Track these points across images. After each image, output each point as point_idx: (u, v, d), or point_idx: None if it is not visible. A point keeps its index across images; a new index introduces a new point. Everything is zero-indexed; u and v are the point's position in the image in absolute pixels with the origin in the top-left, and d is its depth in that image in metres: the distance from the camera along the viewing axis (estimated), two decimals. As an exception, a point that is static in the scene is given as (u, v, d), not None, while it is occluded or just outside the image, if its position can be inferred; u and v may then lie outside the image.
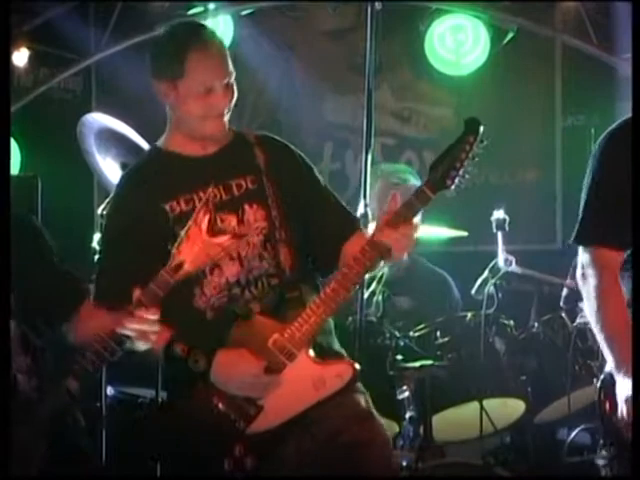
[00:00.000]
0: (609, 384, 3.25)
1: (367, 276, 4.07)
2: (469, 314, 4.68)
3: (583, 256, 3.32)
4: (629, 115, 3.34)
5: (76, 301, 3.35)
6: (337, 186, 7.53)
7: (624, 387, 3.16)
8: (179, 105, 3.30)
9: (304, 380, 3.16)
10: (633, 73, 3.21)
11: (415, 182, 5.01)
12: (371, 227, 3.70)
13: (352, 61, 7.02)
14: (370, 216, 3.76)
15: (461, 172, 3.20)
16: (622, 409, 3.15)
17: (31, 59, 6.63)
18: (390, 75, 7.18)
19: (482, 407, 4.39)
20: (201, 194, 3.25)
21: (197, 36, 3.35)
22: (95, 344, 3.08)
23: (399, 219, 3.14)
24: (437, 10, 6.74)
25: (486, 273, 4.71)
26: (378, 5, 4.33)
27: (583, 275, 3.31)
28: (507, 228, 4.61)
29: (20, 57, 6.55)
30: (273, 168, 3.37)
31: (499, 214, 4.62)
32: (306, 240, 3.36)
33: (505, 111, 6.82)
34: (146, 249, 3.22)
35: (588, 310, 3.31)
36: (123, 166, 4.59)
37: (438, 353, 4.56)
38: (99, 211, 4.53)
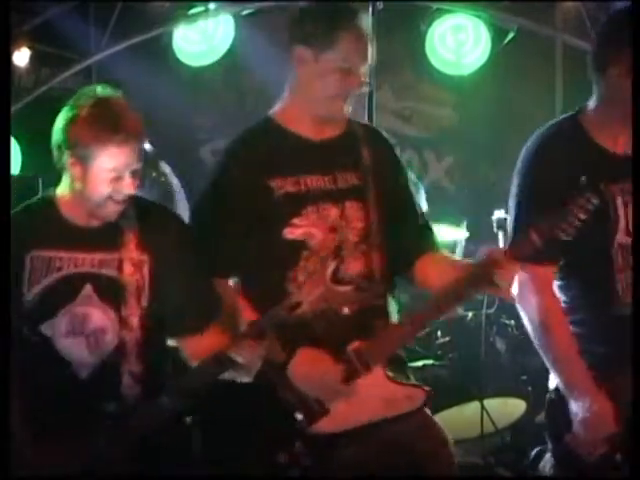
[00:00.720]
0: (558, 404, 3.22)
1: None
2: (470, 314, 4.68)
3: (518, 274, 3.23)
4: (548, 127, 3.35)
5: (210, 321, 3.30)
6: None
7: (578, 408, 3.12)
8: (312, 78, 3.24)
9: (375, 394, 3.12)
10: (633, 73, 3.20)
11: (413, 179, 5.03)
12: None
13: (352, 61, 7.02)
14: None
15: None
16: (579, 430, 3.11)
17: (31, 59, 6.63)
18: (391, 75, 7.18)
19: (483, 407, 4.40)
20: (308, 179, 3.20)
21: (354, 16, 3.23)
22: (204, 364, 3.07)
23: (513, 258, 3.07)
24: (438, 10, 6.74)
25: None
26: (379, 5, 4.34)
27: (520, 295, 3.25)
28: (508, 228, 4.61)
29: (21, 57, 6.55)
30: (378, 169, 3.29)
31: (500, 214, 4.61)
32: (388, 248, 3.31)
33: (505, 111, 6.83)
34: (249, 222, 3.18)
35: (531, 332, 3.26)
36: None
37: (439, 353, 4.56)
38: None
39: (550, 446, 3.30)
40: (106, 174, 3.14)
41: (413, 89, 7.37)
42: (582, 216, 2.99)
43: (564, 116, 3.42)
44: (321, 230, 3.17)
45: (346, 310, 3.15)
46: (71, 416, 3.10)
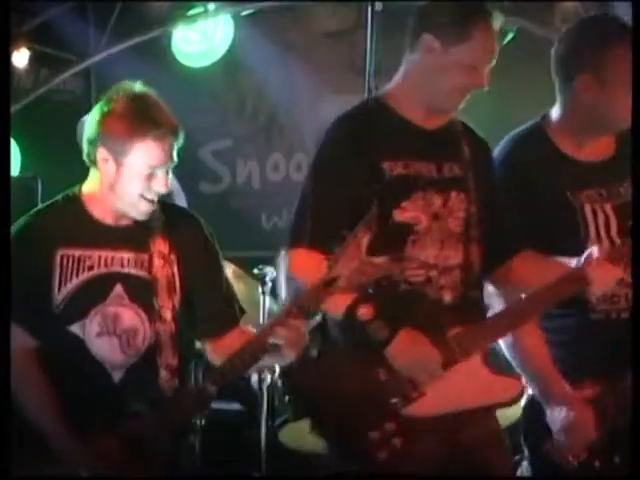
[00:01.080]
0: (534, 413, 3.23)
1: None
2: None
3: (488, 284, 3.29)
4: (521, 132, 3.42)
5: (231, 326, 3.35)
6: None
7: (555, 416, 3.13)
8: (437, 68, 3.22)
9: (471, 382, 3.10)
10: (633, 73, 3.20)
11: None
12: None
13: (352, 61, 7.03)
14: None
15: None
16: (559, 438, 3.12)
17: (31, 60, 6.63)
18: (390, 75, 7.17)
19: (482, 407, 4.38)
20: (416, 165, 3.19)
21: (489, 15, 3.25)
22: (243, 353, 3.08)
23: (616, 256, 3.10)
24: (437, 10, 6.74)
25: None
26: (378, 6, 4.34)
27: (492, 306, 3.28)
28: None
29: (20, 58, 6.55)
30: (476, 163, 3.30)
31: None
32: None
33: (505, 111, 6.82)
34: (356, 202, 3.13)
35: (502, 344, 3.27)
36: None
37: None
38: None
39: (527, 455, 3.30)
40: (141, 170, 3.14)
41: (412, 90, 7.36)
42: None
43: (529, 124, 3.42)
44: (426, 216, 3.16)
45: (447, 298, 3.16)
46: (104, 417, 3.09)
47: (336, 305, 3.07)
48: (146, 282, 3.21)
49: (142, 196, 3.16)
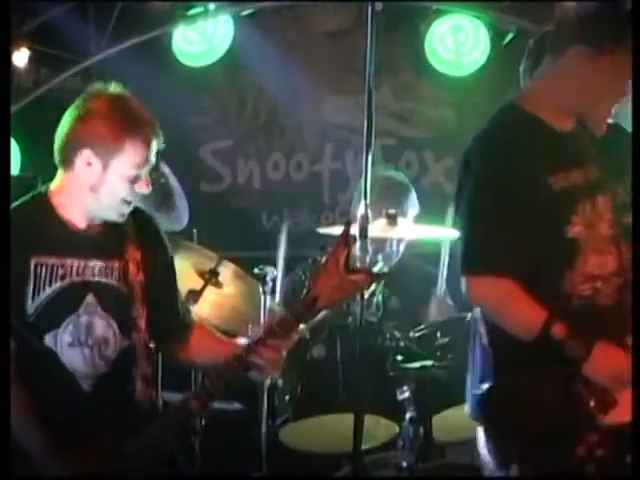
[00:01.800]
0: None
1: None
2: (469, 315, 4.67)
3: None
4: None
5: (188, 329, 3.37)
6: (338, 186, 7.60)
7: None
8: (589, 78, 3.21)
9: None
10: (633, 73, 3.20)
11: (409, 188, 5.05)
12: (371, 227, 3.70)
13: (352, 61, 7.02)
14: (370, 217, 3.75)
15: None
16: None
17: (31, 59, 6.62)
18: (390, 76, 7.19)
19: (482, 407, 4.38)
20: (571, 175, 3.17)
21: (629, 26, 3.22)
22: (223, 369, 3.10)
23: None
24: (437, 10, 6.74)
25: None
26: (378, 5, 4.33)
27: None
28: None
29: (20, 57, 6.54)
30: (609, 163, 3.29)
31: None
32: None
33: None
34: (529, 221, 3.14)
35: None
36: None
37: (438, 354, 4.55)
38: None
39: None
40: (128, 171, 3.12)
41: (412, 89, 7.36)
42: None
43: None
44: (584, 226, 3.18)
45: (613, 305, 3.18)
46: (77, 428, 3.08)
47: (525, 326, 3.11)
48: (117, 291, 3.19)
49: (124, 200, 3.14)
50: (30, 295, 3.11)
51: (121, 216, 3.18)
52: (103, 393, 3.16)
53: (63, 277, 3.14)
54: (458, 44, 6.83)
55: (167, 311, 3.33)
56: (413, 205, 5.02)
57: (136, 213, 3.29)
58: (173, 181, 4.62)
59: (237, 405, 5.31)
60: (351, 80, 6.98)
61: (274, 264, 4.76)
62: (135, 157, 3.13)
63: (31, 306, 3.12)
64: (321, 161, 7.43)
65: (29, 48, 6.56)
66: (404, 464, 4.39)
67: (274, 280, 4.67)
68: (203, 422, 4.65)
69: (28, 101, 6.65)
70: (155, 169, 4.48)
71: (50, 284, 3.13)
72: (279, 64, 7.24)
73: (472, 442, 4.57)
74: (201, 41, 6.89)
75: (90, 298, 3.16)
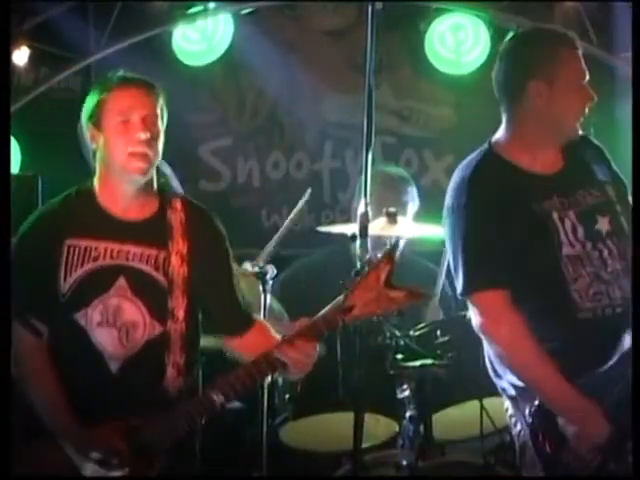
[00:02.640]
0: (543, 420, 3.26)
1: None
2: (469, 313, 4.67)
3: (472, 307, 3.38)
4: (469, 159, 3.46)
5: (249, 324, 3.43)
6: (337, 185, 7.59)
7: (567, 423, 3.20)
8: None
9: None
10: (633, 73, 3.22)
11: (409, 182, 5.06)
12: (371, 226, 3.70)
13: (352, 60, 7.02)
14: (370, 215, 3.75)
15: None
16: (575, 444, 3.18)
17: (31, 58, 6.62)
18: (390, 74, 7.18)
19: (482, 406, 4.39)
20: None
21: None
22: (251, 366, 3.17)
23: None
24: (437, 9, 6.74)
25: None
26: (378, 4, 4.33)
27: (481, 325, 3.36)
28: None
29: (20, 56, 6.54)
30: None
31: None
32: None
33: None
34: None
35: (503, 358, 3.36)
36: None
37: (438, 352, 4.55)
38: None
39: (537, 458, 3.31)
40: (114, 120, 3.19)
41: (412, 88, 7.36)
42: None
43: (478, 151, 3.48)
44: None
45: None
46: (103, 407, 3.16)
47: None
48: (152, 278, 3.25)
49: (130, 154, 3.19)
50: (62, 276, 3.21)
51: (139, 173, 3.22)
52: (131, 376, 3.22)
53: (96, 259, 3.22)
54: (458, 43, 6.83)
55: (222, 307, 3.39)
56: (413, 199, 5.03)
57: (193, 207, 3.40)
58: (173, 182, 4.62)
59: (237, 404, 5.31)
60: (351, 79, 6.98)
61: (274, 262, 4.75)
62: (117, 103, 3.21)
63: (63, 286, 3.21)
64: (321, 160, 7.43)
65: (29, 47, 6.56)
66: (404, 463, 4.39)
67: (274, 278, 4.67)
68: (203, 421, 4.65)
69: (28, 100, 6.65)
70: (156, 169, 4.51)
71: (82, 265, 3.22)
72: (279, 63, 7.24)
73: (472, 440, 4.59)
74: (201, 40, 6.88)
75: (122, 281, 3.23)
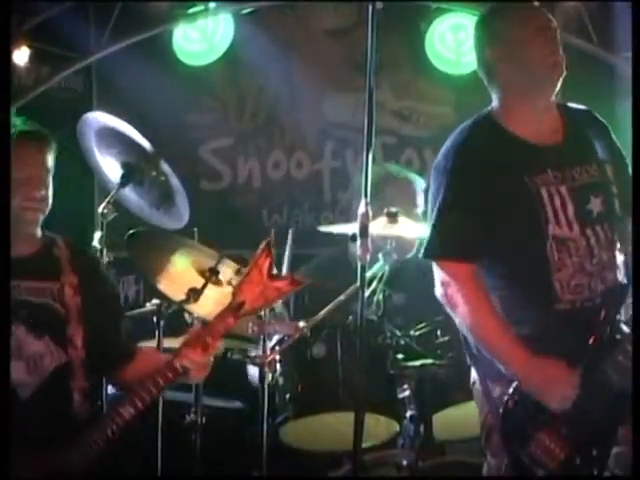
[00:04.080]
0: (512, 410, 3.26)
1: (368, 275, 4.06)
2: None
3: (439, 273, 3.36)
4: (466, 123, 3.44)
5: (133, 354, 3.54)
6: (338, 184, 7.59)
7: (543, 393, 3.18)
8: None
9: None
10: (633, 73, 3.21)
11: (412, 178, 5.05)
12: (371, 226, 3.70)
13: (352, 60, 7.02)
14: (371, 215, 3.75)
15: None
16: (543, 439, 3.19)
17: (32, 58, 6.62)
18: (391, 74, 7.19)
19: (482, 406, 4.39)
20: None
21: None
22: (156, 375, 3.24)
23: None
24: (438, 9, 6.74)
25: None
26: (379, 4, 4.33)
27: (445, 294, 3.34)
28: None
29: (21, 56, 6.54)
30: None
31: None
32: None
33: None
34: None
35: (463, 327, 3.33)
36: (124, 165, 4.59)
37: (439, 352, 4.55)
38: (100, 210, 4.53)
39: (507, 458, 3.30)
40: (14, 178, 3.33)
41: (413, 88, 7.36)
42: None
43: (476, 116, 3.45)
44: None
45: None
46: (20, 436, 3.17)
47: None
48: (51, 309, 3.35)
49: (21, 207, 3.33)
50: None
51: (33, 225, 3.38)
52: (41, 404, 3.29)
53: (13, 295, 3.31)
54: (458, 43, 6.83)
55: (107, 339, 3.47)
56: (418, 204, 5.01)
57: (72, 245, 3.51)
58: (174, 180, 4.62)
59: (237, 403, 5.32)
60: (351, 78, 6.98)
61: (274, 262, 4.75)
62: (15, 164, 3.32)
63: None
64: (321, 159, 7.43)
65: (29, 46, 6.56)
66: (404, 462, 4.39)
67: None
68: (204, 420, 4.65)
69: (29, 99, 6.65)
70: (156, 168, 4.50)
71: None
72: (279, 63, 7.24)
73: (472, 440, 4.59)
74: (201, 40, 6.88)
75: (24, 315, 3.31)
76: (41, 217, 3.40)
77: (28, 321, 3.31)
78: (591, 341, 3.19)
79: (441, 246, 3.34)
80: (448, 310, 3.36)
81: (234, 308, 3.20)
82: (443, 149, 3.41)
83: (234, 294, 3.21)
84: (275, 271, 3.28)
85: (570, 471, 3.18)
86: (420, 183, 5.07)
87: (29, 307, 3.33)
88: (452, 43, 6.85)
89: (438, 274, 3.35)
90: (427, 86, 7.31)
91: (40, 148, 3.44)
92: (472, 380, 3.44)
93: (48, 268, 3.39)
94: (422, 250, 3.40)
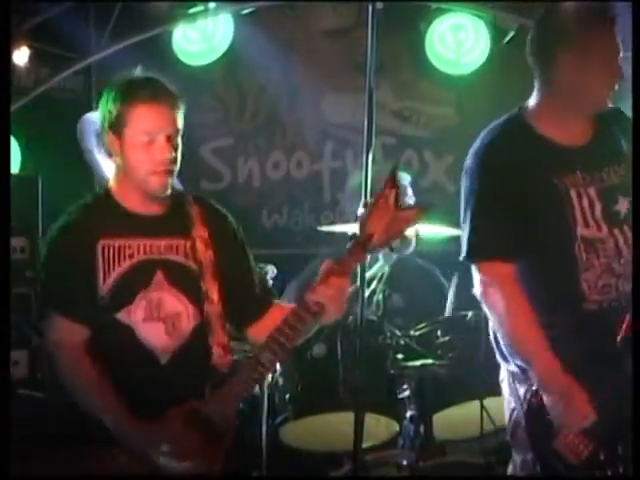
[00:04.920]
0: (536, 406, 3.24)
1: (368, 274, 4.07)
2: (470, 313, 4.67)
3: (477, 274, 3.35)
4: (495, 122, 3.42)
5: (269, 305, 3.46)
6: (338, 185, 7.59)
7: (554, 401, 3.17)
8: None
9: None
10: (633, 73, 3.21)
11: (405, 183, 5.06)
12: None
13: (353, 60, 7.02)
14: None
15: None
16: (560, 422, 3.16)
17: (31, 58, 6.61)
18: (391, 74, 7.19)
19: (483, 406, 4.39)
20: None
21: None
22: (290, 317, 3.17)
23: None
24: (438, 9, 6.74)
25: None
26: (379, 4, 4.33)
27: (484, 294, 3.32)
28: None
29: (20, 56, 6.53)
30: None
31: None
32: None
33: (505, 110, 6.81)
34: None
35: (499, 329, 3.32)
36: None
37: (439, 352, 4.56)
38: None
39: (532, 454, 3.30)
40: (139, 138, 3.18)
41: (413, 88, 7.36)
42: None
43: (506, 116, 3.43)
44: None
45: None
46: (156, 402, 3.16)
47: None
48: (185, 267, 3.28)
49: (152, 171, 3.21)
50: (101, 277, 3.21)
51: (163, 188, 3.24)
52: (181, 365, 3.23)
53: (131, 256, 3.24)
54: (458, 43, 6.83)
55: (242, 292, 3.39)
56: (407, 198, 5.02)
57: (205, 201, 3.44)
58: (174, 180, 4.62)
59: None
60: (351, 79, 6.98)
61: (274, 262, 4.76)
62: (141, 120, 3.18)
63: (102, 287, 3.21)
64: (321, 160, 7.43)
65: (29, 47, 6.55)
66: (404, 462, 4.40)
67: (274, 278, 4.67)
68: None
69: (28, 100, 6.65)
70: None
71: (119, 264, 3.23)
72: (279, 63, 7.24)
73: (472, 440, 4.59)
74: (201, 40, 6.88)
75: (159, 274, 3.25)
76: (171, 180, 3.26)
77: (163, 279, 3.24)
78: (618, 340, 3.18)
79: (481, 247, 3.33)
80: (485, 309, 3.36)
81: (363, 240, 3.10)
82: (472, 149, 3.41)
83: (362, 227, 3.11)
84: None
85: (594, 468, 3.18)
86: (405, 178, 5.07)
87: (164, 265, 3.25)
88: (452, 43, 6.85)
89: (477, 274, 3.35)
90: (427, 86, 7.31)
91: (174, 107, 3.24)
92: (500, 377, 3.44)
93: (179, 225, 3.30)
94: (462, 253, 3.37)
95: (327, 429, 4.52)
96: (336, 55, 7.29)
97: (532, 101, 3.40)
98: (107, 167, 4.63)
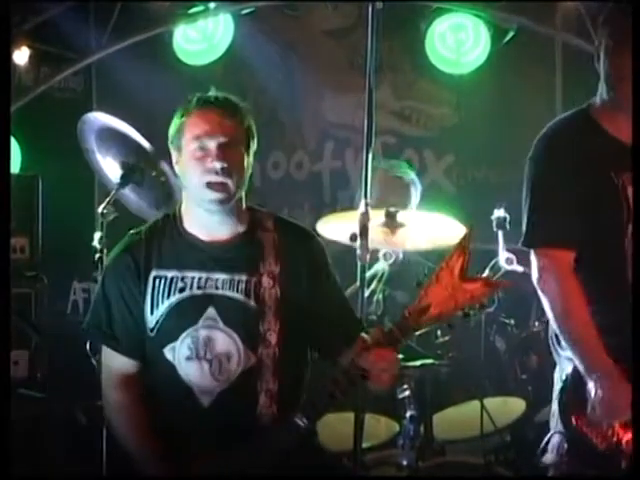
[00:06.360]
0: (572, 388, 3.28)
1: (367, 274, 4.06)
2: (470, 313, 4.67)
3: (536, 260, 3.36)
4: (562, 115, 3.45)
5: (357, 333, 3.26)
6: (338, 185, 7.59)
7: (597, 388, 3.18)
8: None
9: None
10: (633, 73, 3.21)
11: (413, 177, 5.05)
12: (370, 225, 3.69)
13: (352, 60, 7.03)
14: (370, 215, 3.75)
15: None
16: (597, 409, 3.17)
17: (32, 58, 6.63)
18: (391, 74, 7.19)
19: (483, 406, 4.40)
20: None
21: None
22: (339, 375, 3.01)
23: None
24: (438, 9, 6.73)
25: (487, 272, 4.71)
26: (379, 4, 4.33)
27: (541, 279, 3.33)
28: (508, 227, 4.60)
29: (21, 56, 6.55)
30: None
31: (500, 213, 4.60)
32: None
33: (505, 110, 6.82)
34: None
35: (551, 315, 3.33)
36: (124, 165, 4.59)
37: (439, 352, 4.56)
38: (100, 210, 4.53)
39: (562, 431, 3.32)
40: (191, 146, 3.07)
41: (413, 88, 7.36)
42: None
43: (574, 110, 3.46)
44: None
45: None
46: (194, 443, 3.05)
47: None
48: (243, 304, 3.10)
49: (207, 183, 3.06)
50: (149, 309, 3.10)
51: (219, 206, 3.08)
52: (223, 408, 3.09)
53: (182, 290, 3.10)
54: (458, 42, 6.82)
55: (333, 321, 3.23)
56: (415, 199, 5.01)
57: (286, 225, 3.30)
58: (173, 180, 4.62)
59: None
60: (351, 78, 6.98)
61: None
62: (193, 127, 3.10)
63: (151, 319, 3.11)
64: (321, 160, 7.43)
65: (30, 47, 6.57)
66: (404, 462, 4.39)
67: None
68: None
69: (29, 100, 6.65)
70: (156, 168, 4.49)
71: (168, 297, 3.10)
72: (279, 63, 7.25)
73: (472, 440, 4.59)
74: (201, 40, 6.88)
75: (211, 311, 3.09)
76: (231, 198, 3.08)
77: (215, 316, 3.08)
78: None
79: (542, 234, 3.34)
80: (540, 295, 3.36)
81: (417, 312, 2.92)
82: (539, 136, 3.43)
83: (420, 297, 2.93)
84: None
85: (621, 453, 3.19)
86: (411, 178, 5.07)
87: (219, 301, 3.08)
88: (452, 43, 6.84)
89: (536, 260, 3.36)
90: (427, 86, 7.31)
91: (231, 114, 3.12)
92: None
93: (245, 256, 3.12)
94: (522, 239, 3.39)
95: (327, 429, 4.51)
96: (336, 55, 7.29)
97: (598, 99, 3.43)
98: (107, 167, 4.64)
